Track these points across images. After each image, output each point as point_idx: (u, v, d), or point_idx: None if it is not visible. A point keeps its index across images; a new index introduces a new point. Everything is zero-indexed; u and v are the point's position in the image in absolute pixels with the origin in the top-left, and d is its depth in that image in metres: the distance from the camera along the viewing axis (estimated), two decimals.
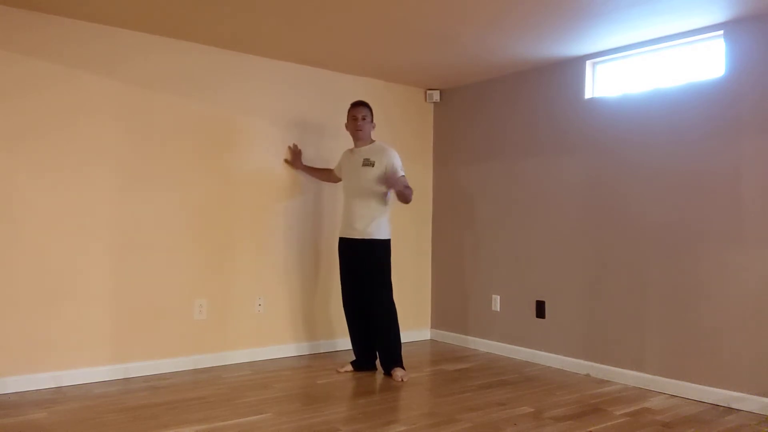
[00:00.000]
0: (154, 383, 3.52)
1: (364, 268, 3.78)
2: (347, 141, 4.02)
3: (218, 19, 3.44)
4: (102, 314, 3.56)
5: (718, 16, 3.26)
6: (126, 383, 3.52)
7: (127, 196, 3.65)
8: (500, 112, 4.58)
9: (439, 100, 5.04)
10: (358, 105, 3.87)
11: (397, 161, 3.74)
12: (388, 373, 3.77)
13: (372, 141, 3.89)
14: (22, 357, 3.32)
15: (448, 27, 3.51)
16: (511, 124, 4.49)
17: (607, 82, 4.02)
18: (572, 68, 4.11)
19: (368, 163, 3.75)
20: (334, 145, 4.38)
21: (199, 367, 3.88)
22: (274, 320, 4.24)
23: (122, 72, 3.64)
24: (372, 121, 3.89)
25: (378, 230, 3.74)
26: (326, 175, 4.28)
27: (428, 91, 5.03)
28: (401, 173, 3.72)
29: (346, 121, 3.93)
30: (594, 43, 3.78)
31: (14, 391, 3.27)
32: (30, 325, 3.34)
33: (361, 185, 3.76)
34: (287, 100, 4.31)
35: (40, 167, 3.38)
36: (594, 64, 4.06)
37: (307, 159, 4.34)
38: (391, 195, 3.80)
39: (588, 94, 4.04)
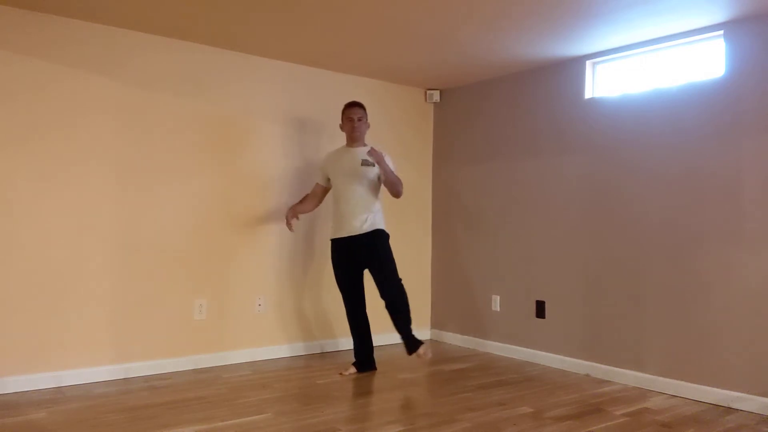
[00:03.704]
0: (154, 383, 3.52)
1: (373, 258, 3.74)
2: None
3: (218, 19, 3.44)
4: (102, 314, 3.56)
5: (718, 16, 3.26)
6: (126, 383, 3.52)
7: (127, 196, 3.65)
8: (500, 112, 4.58)
9: (439, 100, 5.04)
10: (354, 106, 3.88)
11: (390, 161, 3.82)
12: (412, 352, 3.62)
13: (365, 144, 3.91)
14: (22, 357, 3.32)
15: (448, 27, 3.51)
16: (511, 124, 4.49)
17: (607, 82, 4.02)
18: (572, 68, 4.10)
19: (368, 163, 3.78)
20: (333, 145, 4.37)
21: (199, 367, 3.88)
22: (274, 320, 4.24)
23: (122, 72, 3.64)
24: (366, 121, 3.91)
25: (380, 222, 3.80)
26: (314, 201, 4.06)
27: (428, 91, 5.03)
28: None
29: (340, 121, 3.93)
30: (594, 43, 3.78)
31: (14, 391, 3.27)
32: (30, 325, 3.34)
33: (361, 184, 3.77)
34: (287, 100, 4.31)
35: (39, 167, 3.38)
36: (594, 64, 4.06)
37: (307, 159, 4.35)
38: (382, 193, 3.84)
39: (588, 94, 4.04)
